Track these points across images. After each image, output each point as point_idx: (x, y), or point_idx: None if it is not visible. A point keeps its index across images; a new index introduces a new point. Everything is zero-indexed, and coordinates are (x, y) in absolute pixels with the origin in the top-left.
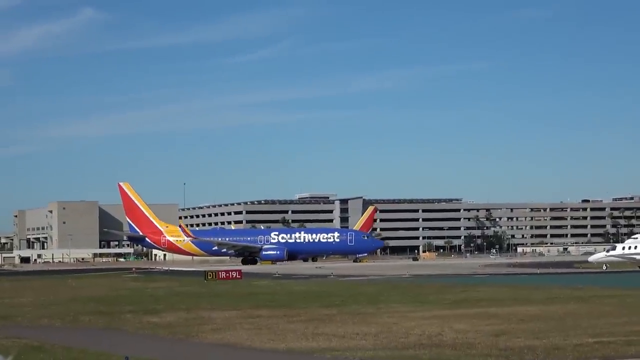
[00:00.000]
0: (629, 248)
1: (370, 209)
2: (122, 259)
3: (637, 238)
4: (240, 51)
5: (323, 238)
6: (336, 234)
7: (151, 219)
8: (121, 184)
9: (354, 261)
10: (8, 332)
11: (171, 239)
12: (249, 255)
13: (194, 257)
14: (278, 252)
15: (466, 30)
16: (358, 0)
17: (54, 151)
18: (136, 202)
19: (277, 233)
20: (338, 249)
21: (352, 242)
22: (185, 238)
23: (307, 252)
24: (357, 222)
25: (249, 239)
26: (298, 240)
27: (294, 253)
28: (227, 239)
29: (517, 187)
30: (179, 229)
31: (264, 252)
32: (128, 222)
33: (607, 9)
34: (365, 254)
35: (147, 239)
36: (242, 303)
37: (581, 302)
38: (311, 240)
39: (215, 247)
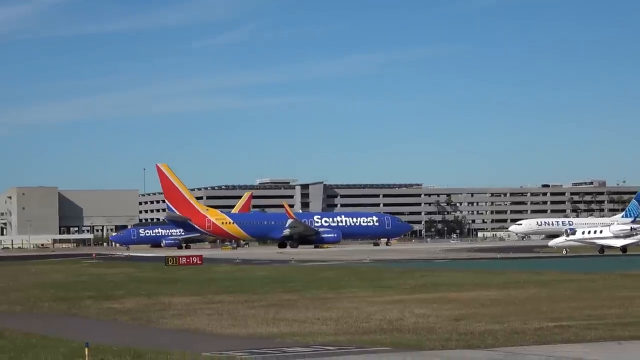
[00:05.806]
0: (589, 232)
1: (247, 194)
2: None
3: (521, 224)
4: (200, 36)
5: (364, 222)
6: (375, 218)
7: (191, 201)
8: (159, 165)
9: (386, 244)
10: None
11: (216, 221)
12: (299, 239)
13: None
14: (335, 235)
15: (424, 16)
16: None
17: (11, 137)
18: (175, 183)
19: (319, 217)
20: (378, 232)
21: (389, 226)
22: (290, 220)
23: (353, 235)
24: (235, 207)
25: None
26: (341, 224)
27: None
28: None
29: (477, 172)
30: (284, 210)
31: (323, 235)
32: (167, 204)
33: None
34: (399, 237)
35: (190, 221)
36: (203, 289)
37: (541, 286)
38: (353, 224)
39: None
